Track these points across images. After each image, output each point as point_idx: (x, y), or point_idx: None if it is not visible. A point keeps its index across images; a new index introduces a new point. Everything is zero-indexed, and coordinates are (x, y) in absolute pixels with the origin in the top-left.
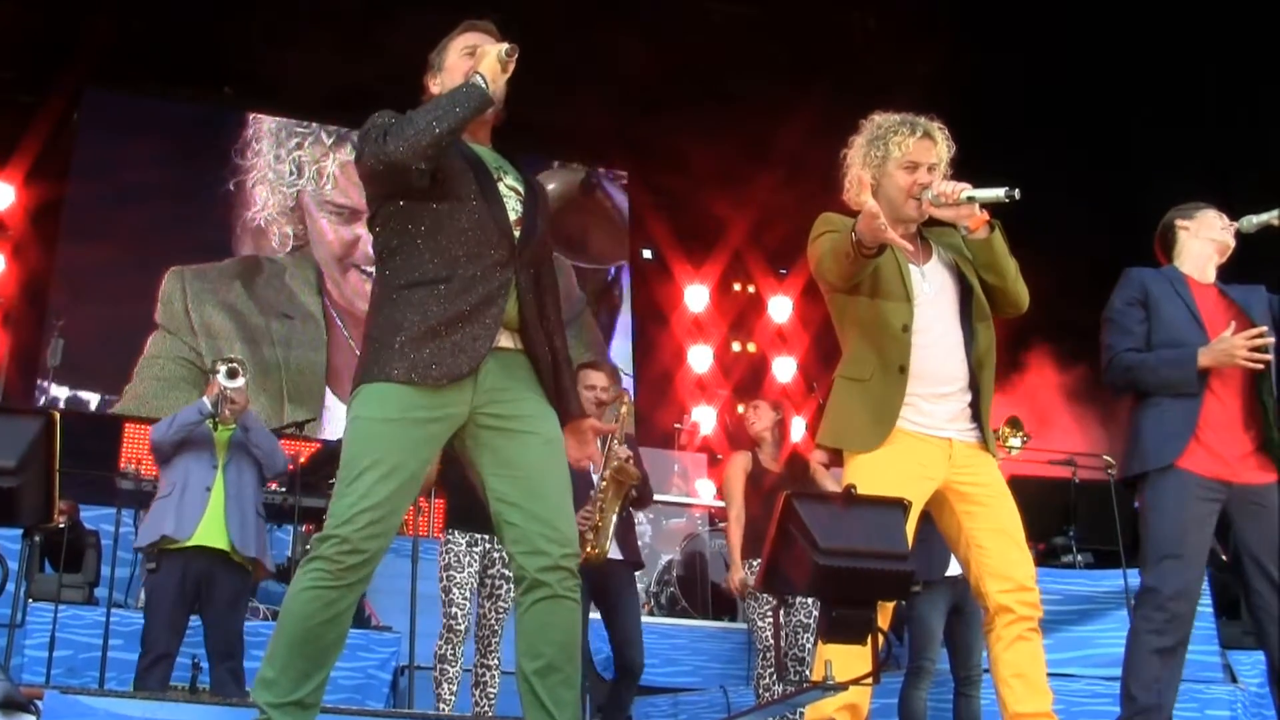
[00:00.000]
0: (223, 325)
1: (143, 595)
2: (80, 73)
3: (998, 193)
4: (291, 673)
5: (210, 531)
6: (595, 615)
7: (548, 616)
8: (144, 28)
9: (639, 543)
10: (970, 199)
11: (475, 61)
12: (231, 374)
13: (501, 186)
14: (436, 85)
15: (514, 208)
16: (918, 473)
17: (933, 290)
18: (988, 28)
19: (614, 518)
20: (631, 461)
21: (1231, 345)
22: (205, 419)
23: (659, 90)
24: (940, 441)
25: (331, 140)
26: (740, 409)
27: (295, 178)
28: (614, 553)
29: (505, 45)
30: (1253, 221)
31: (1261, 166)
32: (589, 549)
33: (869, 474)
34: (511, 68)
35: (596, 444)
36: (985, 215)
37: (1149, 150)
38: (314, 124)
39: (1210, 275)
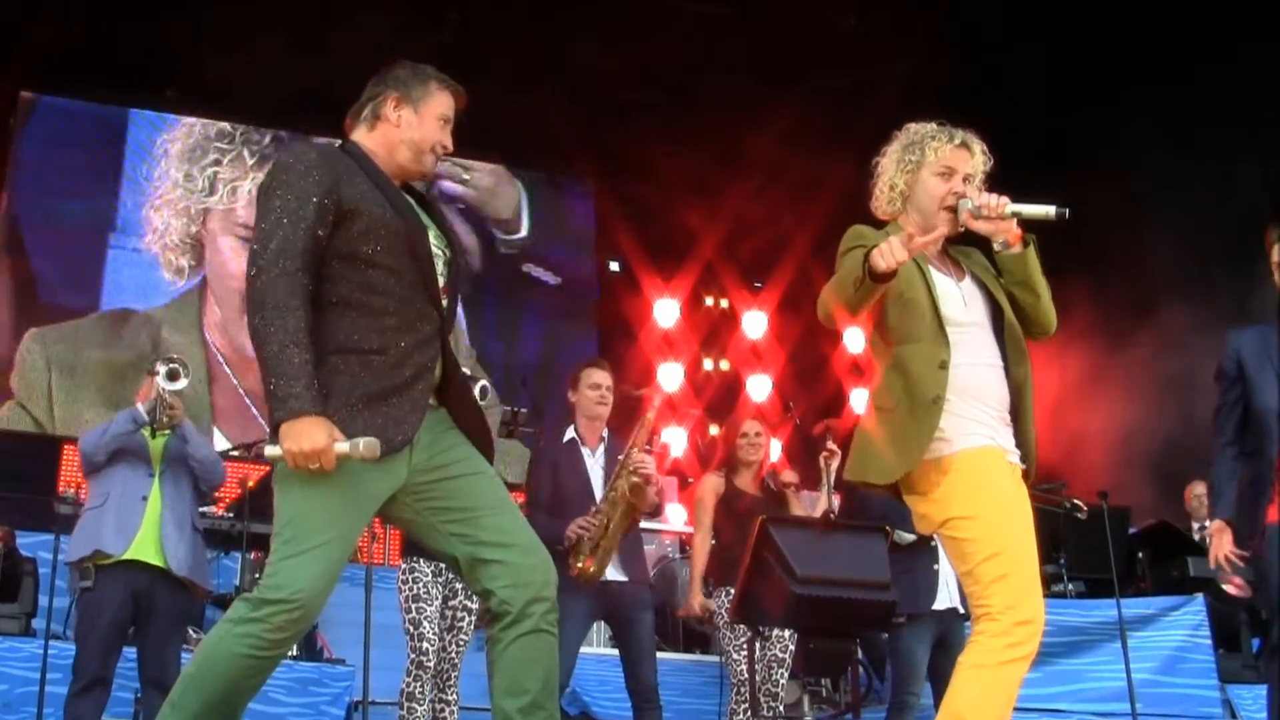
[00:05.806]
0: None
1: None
2: (16, 77)
3: (1047, 210)
4: None
5: (145, 546)
6: (586, 649)
7: (531, 651)
8: (83, 29)
9: None
10: (1015, 214)
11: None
12: (172, 375)
13: (432, 248)
14: (397, 113)
15: (441, 271)
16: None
17: (975, 311)
18: (973, 27)
19: (617, 542)
20: (651, 480)
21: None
22: (140, 428)
23: (626, 93)
24: (1013, 467)
25: (254, 159)
26: (756, 431)
27: (206, 195)
28: (619, 574)
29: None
30: None
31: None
32: (585, 563)
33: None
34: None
35: None
36: (1021, 230)
37: (1133, 148)
38: (239, 135)
39: None
